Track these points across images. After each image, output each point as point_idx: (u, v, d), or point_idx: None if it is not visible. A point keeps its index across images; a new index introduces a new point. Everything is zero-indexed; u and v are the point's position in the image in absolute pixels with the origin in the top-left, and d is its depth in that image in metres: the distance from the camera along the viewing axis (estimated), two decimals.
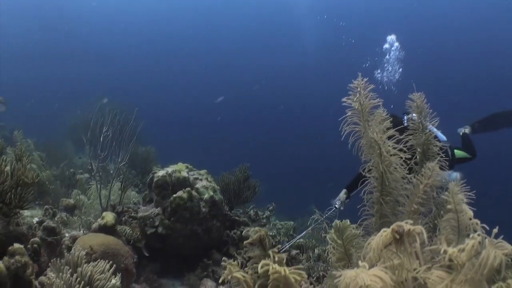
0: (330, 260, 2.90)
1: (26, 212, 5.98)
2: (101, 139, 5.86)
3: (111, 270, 3.29)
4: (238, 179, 6.39)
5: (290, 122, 32.49)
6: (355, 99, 2.80)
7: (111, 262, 3.35)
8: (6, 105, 7.47)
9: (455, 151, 4.92)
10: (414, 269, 1.78)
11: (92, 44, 34.86)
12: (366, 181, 5.15)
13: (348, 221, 2.83)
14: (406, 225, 1.71)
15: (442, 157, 3.03)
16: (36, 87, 30.43)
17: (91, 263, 3.21)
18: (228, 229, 5.81)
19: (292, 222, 7.05)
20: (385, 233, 1.78)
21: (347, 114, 2.83)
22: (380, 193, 2.98)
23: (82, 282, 3.02)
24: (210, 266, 5.32)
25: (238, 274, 2.49)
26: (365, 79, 2.78)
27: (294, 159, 29.59)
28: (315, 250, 5.68)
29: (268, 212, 6.62)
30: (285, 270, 2.14)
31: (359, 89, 2.78)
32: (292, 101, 34.20)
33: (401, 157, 2.83)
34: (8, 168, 3.85)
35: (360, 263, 1.66)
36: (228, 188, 6.33)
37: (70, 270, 3.12)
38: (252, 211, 6.22)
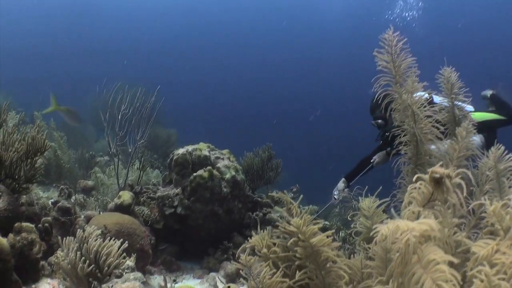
0: (357, 242, 2.64)
1: (41, 193, 5.86)
2: (119, 117, 5.63)
3: (121, 248, 3.02)
4: (262, 159, 6.08)
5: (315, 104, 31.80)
6: (386, 56, 2.50)
7: (122, 240, 3.09)
8: (80, 118, 7.24)
9: (484, 113, 4.46)
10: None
11: (115, 32, 34.96)
12: (367, 169, 4.82)
13: (376, 200, 2.57)
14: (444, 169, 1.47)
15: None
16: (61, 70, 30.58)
17: (97, 240, 2.96)
18: (250, 211, 5.52)
19: (315, 207, 6.73)
20: (421, 185, 1.51)
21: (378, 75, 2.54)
22: (414, 164, 2.65)
23: (87, 260, 2.77)
24: (231, 249, 5.05)
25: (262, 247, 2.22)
26: (397, 33, 2.47)
27: (319, 142, 29.08)
28: (340, 232, 5.41)
29: (292, 194, 6.31)
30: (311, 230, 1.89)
31: (390, 44, 2.47)
32: (314, 82, 33.80)
33: (436, 123, 2.53)
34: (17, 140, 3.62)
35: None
36: (251, 168, 6.03)
37: (75, 248, 2.88)
38: (275, 192, 5.91)
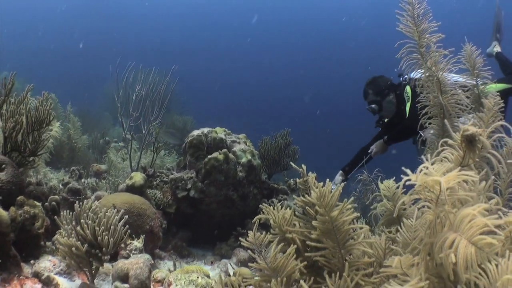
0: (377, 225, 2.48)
1: (52, 175, 5.72)
2: (133, 98, 5.45)
3: (121, 222, 2.84)
4: (279, 145, 5.85)
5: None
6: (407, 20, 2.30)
7: (124, 214, 2.90)
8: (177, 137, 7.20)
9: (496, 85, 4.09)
10: None
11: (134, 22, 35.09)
12: (366, 160, 4.53)
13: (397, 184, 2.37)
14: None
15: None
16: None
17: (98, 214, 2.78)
18: (265, 198, 5.30)
19: None
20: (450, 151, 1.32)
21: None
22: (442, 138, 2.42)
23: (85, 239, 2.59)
24: (244, 235, 4.83)
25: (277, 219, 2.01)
26: None
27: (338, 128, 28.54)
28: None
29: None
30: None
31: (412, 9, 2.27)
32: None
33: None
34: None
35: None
36: (268, 154, 5.80)
37: (72, 224, 2.70)
38: (292, 180, 5.69)
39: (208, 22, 36.12)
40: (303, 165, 2.04)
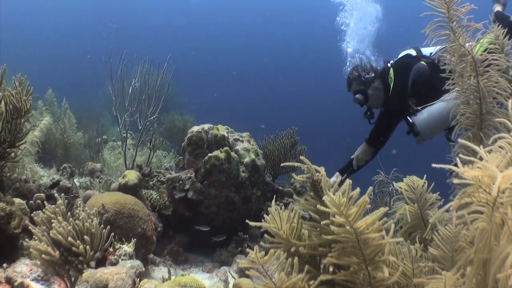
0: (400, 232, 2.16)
1: (42, 171, 5.41)
2: (130, 91, 5.09)
3: (103, 230, 2.48)
4: (285, 145, 5.47)
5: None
6: None
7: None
8: None
9: None
10: None
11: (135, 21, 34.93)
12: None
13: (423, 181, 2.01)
14: None
15: None
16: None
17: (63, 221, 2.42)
18: (269, 200, 4.94)
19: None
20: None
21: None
22: (479, 128, 2.06)
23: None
24: (246, 241, 4.47)
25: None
26: None
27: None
28: None
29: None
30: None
31: None
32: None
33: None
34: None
35: None
36: (273, 154, 5.41)
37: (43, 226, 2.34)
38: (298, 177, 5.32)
39: (213, 18, 35.94)
40: (303, 159, 1.61)
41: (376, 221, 1.31)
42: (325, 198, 1.33)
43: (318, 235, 1.53)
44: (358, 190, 1.42)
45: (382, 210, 1.35)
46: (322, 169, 1.56)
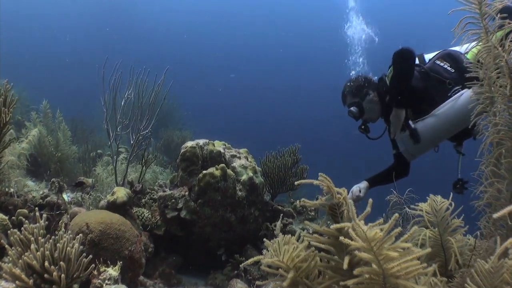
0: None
1: (32, 185, 5.18)
2: (122, 103, 4.85)
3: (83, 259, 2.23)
4: (286, 162, 5.20)
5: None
6: None
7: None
8: None
9: None
10: None
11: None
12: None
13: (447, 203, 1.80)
14: None
15: None
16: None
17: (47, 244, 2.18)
18: (268, 221, 4.67)
19: None
20: None
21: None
22: None
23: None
24: (243, 264, 4.20)
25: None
26: None
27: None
28: None
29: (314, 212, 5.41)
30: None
31: None
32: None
33: None
34: None
35: None
36: (272, 172, 5.15)
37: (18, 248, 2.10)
38: (298, 201, 5.07)
39: (212, 30, 36.11)
40: (323, 176, 1.38)
41: (413, 262, 1.06)
42: (350, 228, 1.09)
43: (333, 272, 1.27)
44: (381, 222, 1.17)
45: (423, 251, 1.10)
46: (344, 191, 1.32)
